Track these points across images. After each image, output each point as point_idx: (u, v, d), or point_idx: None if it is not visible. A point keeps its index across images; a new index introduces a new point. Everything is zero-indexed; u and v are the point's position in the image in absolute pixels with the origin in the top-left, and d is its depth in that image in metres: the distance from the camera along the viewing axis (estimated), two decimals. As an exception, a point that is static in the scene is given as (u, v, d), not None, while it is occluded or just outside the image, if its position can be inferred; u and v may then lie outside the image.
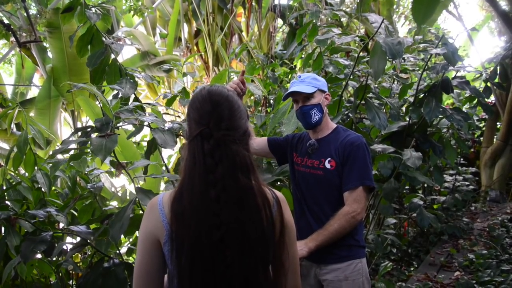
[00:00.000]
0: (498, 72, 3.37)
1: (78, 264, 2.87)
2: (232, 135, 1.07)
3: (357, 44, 4.85)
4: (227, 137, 1.06)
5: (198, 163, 1.04)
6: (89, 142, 1.82)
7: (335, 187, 1.86)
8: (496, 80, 3.42)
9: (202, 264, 1.02)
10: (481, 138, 7.25)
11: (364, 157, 1.84)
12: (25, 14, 5.20)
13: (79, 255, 3.00)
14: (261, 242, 1.07)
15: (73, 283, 2.83)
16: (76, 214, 2.56)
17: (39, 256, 2.33)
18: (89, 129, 2.03)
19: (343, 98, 2.93)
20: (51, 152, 2.10)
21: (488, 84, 3.40)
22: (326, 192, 1.88)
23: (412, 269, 4.01)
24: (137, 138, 4.02)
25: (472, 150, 7.17)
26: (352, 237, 1.85)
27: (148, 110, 2.49)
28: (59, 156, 2.52)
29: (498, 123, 7.18)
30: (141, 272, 1.10)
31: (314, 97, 1.90)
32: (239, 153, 1.07)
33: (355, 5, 7.15)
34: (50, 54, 6.21)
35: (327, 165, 1.87)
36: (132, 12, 6.35)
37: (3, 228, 2.24)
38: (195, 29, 8.29)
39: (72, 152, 2.20)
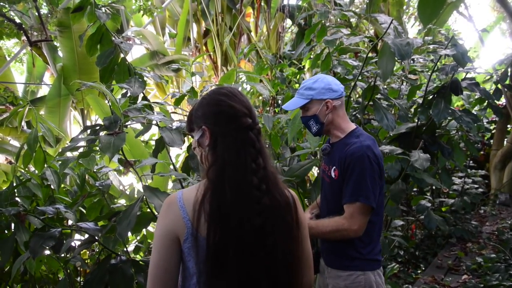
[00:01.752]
0: (509, 74, 3.33)
1: (86, 261, 2.90)
2: (260, 128, 1.17)
3: (366, 45, 4.82)
4: (260, 129, 1.16)
5: (243, 153, 1.09)
6: (98, 140, 1.84)
7: (341, 195, 1.76)
8: (507, 82, 3.38)
9: (243, 252, 1.04)
10: (491, 141, 7.16)
11: (362, 171, 1.67)
12: (37, 14, 5.25)
13: (87, 252, 3.03)
14: (294, 227, 1.13)
15: (81, 279, 2.87)
16: (84, 211, 2.58)
17: (47, 252, 2.36)
18: (97, 127, 2.05)
19: (352, 99, 2.92)
20: (60, 150, 2.12)
21: (499, 86, 3.36)
22: (334, 198, 1.82)
23: (419, 271, 3.98)
24: (146, 136, 4.05)
25: (481, 152, 7.10)
26: (355, 250, 1.75)
27: (157, 109, 2.51)
28: (69, 154, 2.55)
29: (508, 126, 7.10)
30: (158, 269, 1.07)
31: (310, 108, 1.83)
32: (266, 145, 1.18)
33: (365, 6, 7.11)
34: (60, 53, 6.28)
35: (332, 174, 1.81)
36: (141, 12, 6.38)
37: (12, 224, 2.28)
38: (204, 29, 8.31)
39: (81, 150, 2.23)
